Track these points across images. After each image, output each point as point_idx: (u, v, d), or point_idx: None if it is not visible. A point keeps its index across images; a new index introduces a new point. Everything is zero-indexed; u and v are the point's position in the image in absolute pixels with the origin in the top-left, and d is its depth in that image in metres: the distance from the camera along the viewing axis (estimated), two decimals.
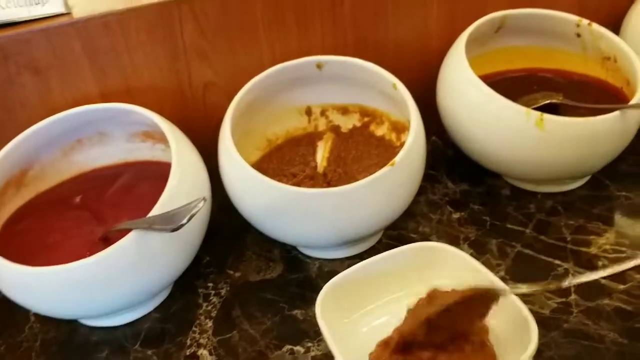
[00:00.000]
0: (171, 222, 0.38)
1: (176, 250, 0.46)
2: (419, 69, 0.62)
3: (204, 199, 0.39)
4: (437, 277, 0.43)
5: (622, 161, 0.59)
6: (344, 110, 0.61)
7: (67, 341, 0.50)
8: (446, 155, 0.65)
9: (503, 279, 0.49)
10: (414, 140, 0.49)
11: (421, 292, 0.41)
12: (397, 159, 0.47)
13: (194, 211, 0.38)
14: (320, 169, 0.58)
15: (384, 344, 0.40)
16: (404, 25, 0.61)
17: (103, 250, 0.42)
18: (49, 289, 0.43)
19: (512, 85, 0.62)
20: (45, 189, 0.55)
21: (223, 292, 0.52)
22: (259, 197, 0.48)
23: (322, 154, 0.61)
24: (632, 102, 0.52)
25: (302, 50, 0.58)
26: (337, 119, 0.62)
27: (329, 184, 0.55)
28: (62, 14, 0.51)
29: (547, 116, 0.50)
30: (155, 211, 0.43)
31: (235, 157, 0.48)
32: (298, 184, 0.53)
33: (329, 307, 0.42)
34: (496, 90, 0.61)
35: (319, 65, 0.56)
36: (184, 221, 0.38)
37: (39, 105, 0.53)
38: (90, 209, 0.53)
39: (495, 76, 0.63)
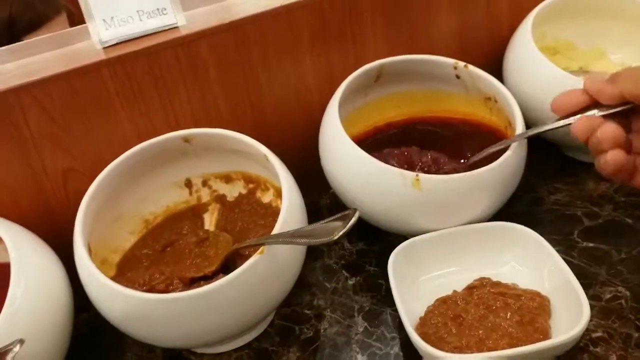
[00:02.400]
0: None
1: None
2: (302, 126, 0.60)
3: (20, 341, 0.34)
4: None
5: (517, 201, 0.58)
6: (227, 179, 0.58)
7: None
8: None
9: (397, 356, 0.46)
10: (283, 222, 0.45)
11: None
12: (266, 245, 0.43)
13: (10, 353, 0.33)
14: None
15: (442, 300, 0.47)
16: (279, 84, 0.59)
17: None
18: None
19: (397, 135, 0.60)
20: None
21: None
22: (115, 305, 0.43)
23: (209, 227, 0.57)
24: (510, 141, 0.51)
25: (170, 123, 0.55)
26: (222, 188, 0.58)
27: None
28: None
29: (423, 176, 0.47)
30: None
31: (89, 267, 0.43)
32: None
33: (399, 267, 0.48)
34: (380, 143, 0.59)
35: (187, 139, 0.52)
36: None
37: None
38: None
39: (381, 129, 0.62)
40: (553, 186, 0.61)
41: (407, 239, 0.50)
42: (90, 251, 0.46)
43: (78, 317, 0.48)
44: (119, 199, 0.52)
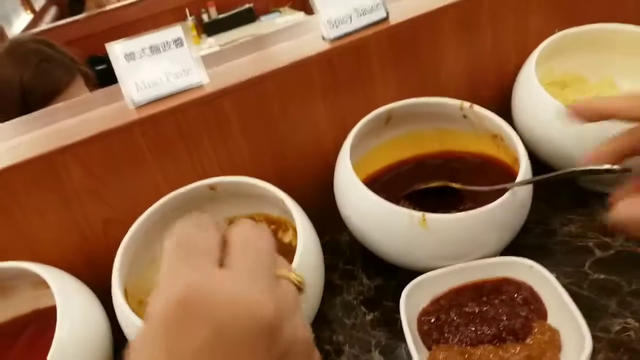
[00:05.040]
0: None
1: None
2: (319, 170, 0.64)
3: None
4: None
5: (528, 233, 0.59)
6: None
7: None
8: (363, 247, 0.65)
9: None
10: (300, 260, 0.49)
11: None
12: None
13: None
14: None
15: None
16: (297, 132, 0.63)
17: None
18: None
19: (410, 172, 0.64)
20: None
21: None
22: None
23: None
24: (516, 181, 0.53)
25: (197, 172, 0.59)
26: None
27: None
28: None
29: (429, 215, 0.50)
30: None
31: (124, 309, 0.48)
32: None
33: (412, 303, 0.51)
34: (394, 181, 0.63)
35: (212, 187, 0.57)
36: None
37: None
38: None
39: (394, 167, 0.65)
40: (566, 217, 0.62)
41: (422, 273, 0.53)
42: (126, 294, 0.50)
43: (118, 355, 0.52)
44: (154, 244, 0.57)
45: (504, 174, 0.60)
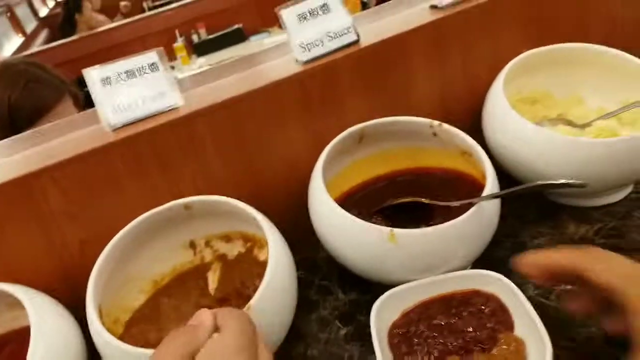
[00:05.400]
0: None
1: None
2: (294, 188, 0.65)
3: None
4: None
5: (498, 246, 0.61)
6: (227, 238, 0.63)
7: None
8: (338, 264, 0.66)
9: None
10: (271, 278, 0.50)
11: None
12: (252, 302, 0.48)
13: None
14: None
15: None
16: (271, 151, 0.65)
17: None
18: None
19: (380, 190, 0.65)
20: None
21: None
22: None
23: (211, 286, 0.62)
24: (482, 195, 0.55)
25: (173, 192, 0.61)
26: (223, 248, 0.63)
27: None
28: None
29: (398, 231, 0.52)
30: None
31: (97, 327, 0.48)
32: None
33: (382, 316, 0.52)
34: (368, 197, 0.64)
35: (188, 207, 0.58)
36: None
37: None
38: None
39: (369, 183, 0.67)
40: (536, 230, 0.64)
41: (392, 286, 0.54)
42: (100, 312, 0.51)
43: None
44: (129, 263, 0.58)
45: (475, 189, 0.61)
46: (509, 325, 0.50)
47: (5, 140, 0.68)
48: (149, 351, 0.47)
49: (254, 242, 0.62)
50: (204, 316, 0.39)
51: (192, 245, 0.63)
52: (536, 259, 0.45)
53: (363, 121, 0.64)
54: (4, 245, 0.56)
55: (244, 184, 0.64)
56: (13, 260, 0.56)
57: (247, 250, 0.62)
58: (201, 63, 3.11)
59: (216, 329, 0.38)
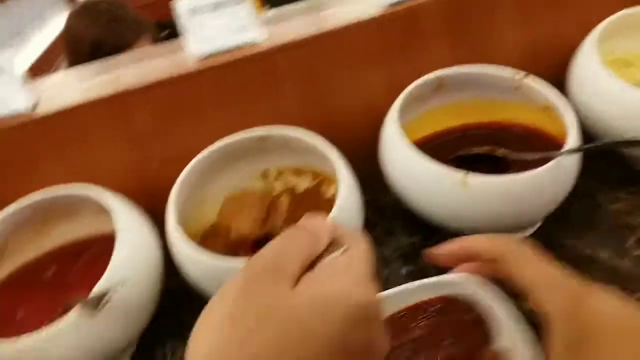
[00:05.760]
0: (94, 305, 0.43)
1: (116, 321, 0.49)
2: (368, 130, 0.65)
3: (122, 283, 0.43)
4: None
5: (572, 205, 0.59)
6: (298, 172, 0.64)
7: None
8: (404, 208, 0.67)
9: None
10: (338, 213, 0.51)
11: None
12: None
13: (106, 298, 0.43)
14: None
15: None
16: (348, 91, 0.65)
17: (49, 326, 0.47)
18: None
19: (453, 142, 0.64)
20: (20, 264, 0.60)
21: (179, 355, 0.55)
22: (195, 267, 0.51)
23: (280, 215, 0.64)
24: (563, 149, 0.53)
25: (250, 125, 0.62)
26: (293, 181, 0.65)
27: None
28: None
29: (471, 175, 0.51)
30: (95, 289, 0.47)
31: (173, 231, 0.52)
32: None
33: None
34: (436, 149, 0.63)
35: (262, 139, 0.60)
36: (98, 308, 0.42)
37: (11, 190, 0.59)
38: (58, 283, 0.58)
39: (440, 135, 0.66)
40: (614, 195, 0.61)
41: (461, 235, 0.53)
42: (178, 226, 0.54)
43: (170, 280, 0.56)
44: (205, 185, 0.61)
45: (553, 147, 0.59)
46: (489, 338, 0.41)
47: (99, 62, 0.72)
48: (227, 258, 0.49)
49: (323, 178, 0.63)
50: (322, 225, 0.32)
51: (265, 175, 0.65)
52: (451, 248, 0.41)
53: (442, 68, 0.63)
54: (94, 157, 0.60)
55: (317, 122, 0.64)
56: (101, 171, 0.61)
57: (316, 185, 0.64)
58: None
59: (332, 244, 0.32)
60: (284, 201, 0.65)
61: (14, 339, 0.46)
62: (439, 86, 0.64)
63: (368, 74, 0.65)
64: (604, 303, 0.34)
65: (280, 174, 0.64)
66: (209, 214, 0.62)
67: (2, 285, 0.58)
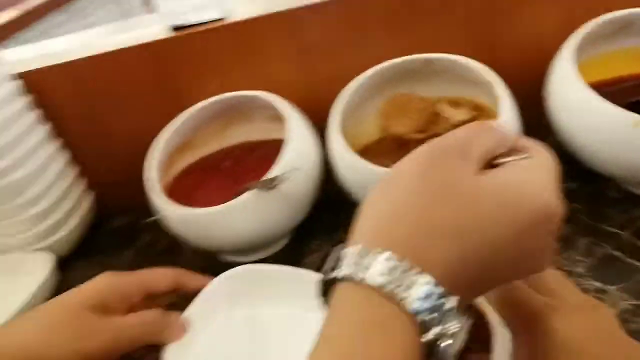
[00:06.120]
0: (269, 185, 0.51)
1: (282, 206, 0.57)
2: (532, 68, 0.63)
3: (297, 169, 0.50)
4: None
5: None
6: (456, 104, 0.65)
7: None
8: (565, 153, 0.64)
9: (581, 275, 0.50)
10: None
11: None
12: None
13: (283, 178, 0.51)
14: None
15: None
16: (518, 24, 0.63)
17: (229, 202, 0.56)
18: (196, 225, 0.58)
19: (632, 90, 0.60)
20: (203, 155, 0.71)
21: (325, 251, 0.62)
22: (354, 175, 0.56)
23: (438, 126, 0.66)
24: None
25: (414, 47, 0.64)
26: (448, 112, 0.66)
27: None
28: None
29: None
30: (266, 176, 0.55)
31: (335, 140, 0.57)
32: None
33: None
34: (612, 95, 0.60)
35: (428, 62, 0.62)
36: (275, 183, 0.51)
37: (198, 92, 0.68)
38: (234, 172, 0.68)
39: (621, 80, 0.61)
40: None
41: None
42: (339, 133, 0.59)
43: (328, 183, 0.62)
44: (366, 103, 0.65)
45: None
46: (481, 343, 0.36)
47: None
48: (384, 168, 0.52)
49: (481, 112, 0.63)
50: (506, 128, 0.31)
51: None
52: None
53: (630, 7, 0.58)
54: (266, 65, 0.67)
55: (482, 51, 0.64)
56: (272, 79, 0.67)
57: (471, 118, 0.64)
58: None
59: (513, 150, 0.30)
60: (445, 112, 0.65)
61: (205, 208, 0.56)
62: (626, 26, 0.59)
63: (542, 5, 0.62)
64: (568, 325, 0.31)
65: (437, 101, 0.66)
66: (367, 133, 0.66)
67: (189, 168, 0.70)
